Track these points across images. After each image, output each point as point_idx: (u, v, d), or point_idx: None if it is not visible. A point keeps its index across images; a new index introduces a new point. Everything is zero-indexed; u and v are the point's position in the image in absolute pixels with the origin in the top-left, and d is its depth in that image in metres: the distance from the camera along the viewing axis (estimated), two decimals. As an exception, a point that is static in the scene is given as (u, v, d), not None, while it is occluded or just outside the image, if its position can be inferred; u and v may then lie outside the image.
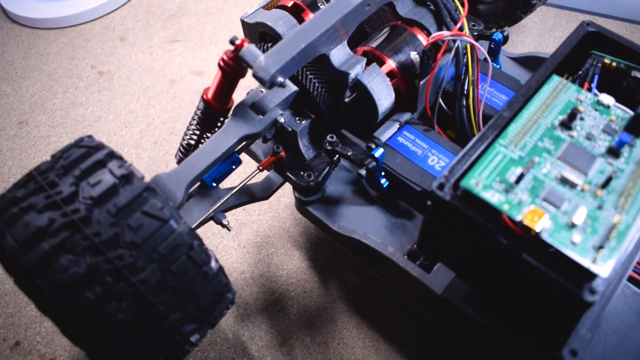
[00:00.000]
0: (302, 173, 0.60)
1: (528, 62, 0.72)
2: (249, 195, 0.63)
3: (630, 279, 0.53)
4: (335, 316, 0.71)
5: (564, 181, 0.41)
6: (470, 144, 0.44)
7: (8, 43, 1.10)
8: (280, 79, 0.50)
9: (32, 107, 0.98)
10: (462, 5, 0.61)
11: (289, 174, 0.60)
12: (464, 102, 0.61)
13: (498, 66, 0.69)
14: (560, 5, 1.09)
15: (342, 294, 0.73)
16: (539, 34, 1.04)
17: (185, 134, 0.60)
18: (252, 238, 0.79)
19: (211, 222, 0.63)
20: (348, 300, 0.72)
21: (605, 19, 1.07)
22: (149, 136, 0.92)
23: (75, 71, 1.04)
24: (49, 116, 0.96)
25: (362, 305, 0.72)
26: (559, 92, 0.48)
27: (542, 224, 0.38)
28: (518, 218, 0.39)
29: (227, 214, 0.61)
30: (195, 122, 0.58)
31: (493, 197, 0.40)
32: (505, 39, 0.65)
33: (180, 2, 1.16)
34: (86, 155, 0.44)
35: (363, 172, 0.54)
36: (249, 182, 0.61)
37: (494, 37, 0.65)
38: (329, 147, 0.56)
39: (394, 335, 0.69)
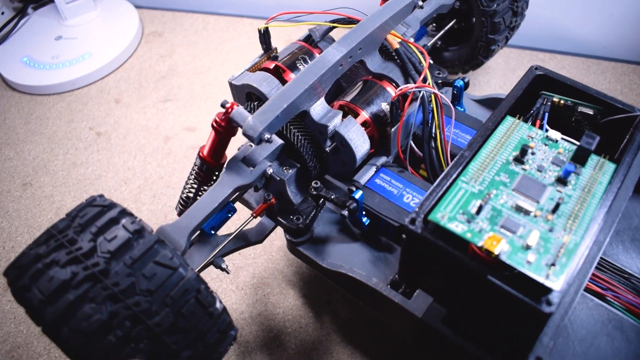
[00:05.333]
0: (291, 217, 0.65)
1: (489, 103, 0.79)
2: (244, 240, 0.67)
3: (594, 293, 0.58)
4: (331, 348, 0.76)
5: (518, 209, 0.47)
6: (437, 182, 0.49)
7: (9, 110, 1.17)
8: (267, 136, 0.56)
9: (35, 169, 1.04)
10: (424, 58, 0.68)
11: (280, 219, 0.65)
12: (433, 144, 0.67)
13: (462, 109, 0.75)
14: (521, 46, 1.17)
15: (336, 326, 0.78)
16: (503, 74, 1.12)
17: (184, 188, 0.65)
18: (249, 280, 0.84)
19: (210, 269, 0.68)
20: (341, 332, 0.77)
21: (564, 55, 1.15)
22: (147, 191, 0.98)
23: (74, 133, 1.09)
24: (51, 177, 1.02)
25: (354, 336, 0.77)
26: (513, 131, 0.54)
27: (500, 247, 0.43)
28: (479, 244, 0.44)
29: (225, 258, 0.65)
30: (193, 176, 0.64)
31: (457, 227, 0.45)
32: (467, 85, 0.72)
33: (170, 63, 1.23)
34: (100, 213, 0.49)
35: (345, 212, 0.60)
36: (244, 228, 0.66)
37: (455, 84, 0.72)
38: (314, 192, 0.62)
39: (386, 362, 0.74)
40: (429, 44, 0.83)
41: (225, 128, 0.57)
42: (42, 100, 1.18)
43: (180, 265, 0.48)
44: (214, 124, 0.58)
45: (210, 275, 0.84)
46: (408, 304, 0.56)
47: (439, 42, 0.96)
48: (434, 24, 0.93)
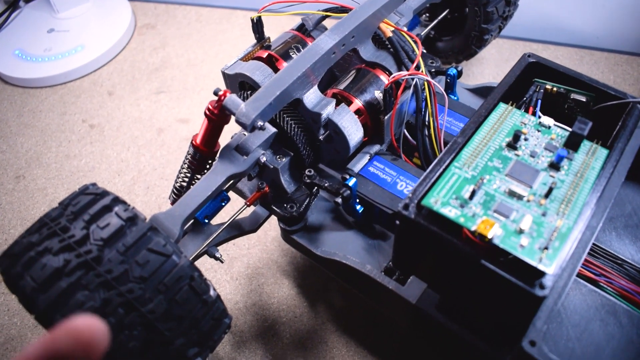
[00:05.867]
0: (285, 205, 0.65)
1: (482, 91, 0.79)
2: (238, 229, 0.67)
3: (587, 279, 0.59)
4: (325, 337, 0.76)
5: (512, 194, 0.47)
6: (430, 168, 0.49)
7: (2, 103, 1.16)
8: (260, 123, 0.56)
9: (28, 162, 1.03)
10: (417, 46, 0.68)
11: (274, 207, 0.65)
12: (426, 132, 0.67)
13: (456, 98, 0.75)
14: (514, 36, 1.18)
15: (330, 315, 0.78)
16: (496, 64, 1.12)
17: (178, 177, 0.65)
18: (243, 270, 0.84)
19: (205, 260, 0.68)
20: (336, 321, 0.77)
21: (557, 46, 1.15)
22: (141, 182, 0.97)
23: (67, 126, 1.09)
24: (44, 169, 1.02)
25: (349, 324, 0.77)
26: (506, 117, 0.54)
27: (493, 231, 0.43)
28: (473, 228, 0.44)
29: (219, 248, 0.65)
30: (186, 165, 0.64)
31: (450, 212, 0.46)
32: (460, 74, 0.72)
33: (163, 56, 1.23)
34: (93, 201, 0.49)
35: (339, 200, 0.60)
36: (238, 217, 0.66)
37: (449, 72, 0.72)
38: (308, 181, 0.62)
39: (380, 351, 0.74)
40: (422, 34, 0.83)
41: (218, 116, 0.57)
42: (34, 93, 1.17)
43: (173, 252, 0.48)
44: (207, 112, 0.58)
45: (205, 266, 0.84)
46: (402, 291, 0.56)
47: (432, 32, 0.96)
48: (427, 14, 0.93)
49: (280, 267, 0.84)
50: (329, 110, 0.63)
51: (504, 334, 0.51)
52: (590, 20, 1.12)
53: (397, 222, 0.49)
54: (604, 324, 0.56)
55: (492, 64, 1.12)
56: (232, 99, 0.56)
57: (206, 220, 0.63)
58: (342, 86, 0.68)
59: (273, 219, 0.69)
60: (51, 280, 0.45)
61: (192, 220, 0.63)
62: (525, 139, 0.52)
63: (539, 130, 0.53)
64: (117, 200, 0.49)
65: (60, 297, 0.45)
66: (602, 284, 0.58)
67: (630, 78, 1.07)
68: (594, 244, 0.61)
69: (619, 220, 0.64)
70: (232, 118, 0.57)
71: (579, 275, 0.59)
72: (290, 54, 0.70)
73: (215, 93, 0.56)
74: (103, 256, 0.46)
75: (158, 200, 0.94)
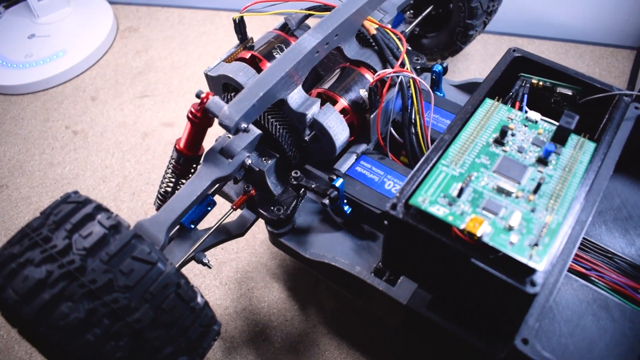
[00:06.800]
0: (272, 208, 0.64)
1: (468, 87, 0.78)
2: (225, 233, 0.66)
3: (578, 273, 0.58)
4: (317, 340, 0.75)
5: (500, 191, 0.47)
6: (417, 166, 0.49)
7: (-17, 111, 1.14)
8: (243, 125, 0.55)
9: (11, 171, 1.02)
10: (402, 43, 0.67)
11: (261, 210, 0.65)
12: (413, 130, 0.66)
13: (442, 94, 0.75)
14: (499, 32, 1.18)
15: (321, 318, 0.77)
16: (482, 60, 1.12)
17: (162, 182, 0.64)
18: (232, 275, 0.83)
19: (193, 265, 0.67)
20: (327, 324, 0.76)
21: (542, 40, 1.15)
22: (127, 188, 0.96)
23: (50, 132, 1.08)
24: (28, 178, 1.00)
25: (341, 326, 0.76)
26: (492, 113, 0.54)
27: (482, 229, 0.43)
28: (461, 227, 0.44)
29: (207, 253, 0.64)
30: (170, 170, 0.63)
31: (438, 210, 0.45)
32: (445, 70, 0.72)
33: (146, 59, 1.21)
34: (75, 210, 0.48)
35: (326, 201, 0.59)
36: (224, 222, 0.65)
37: (434, 69, 0.71)
38: (294, 182, 0.61)
39: (373, 351, 0.74)
40: (406, 31, 0.82)
41: (201, 119, 0.56)
42: (16, 100, 1.16)
43: (158, 259, 0.47)
44: (190, 115, 0.57)
45: (194, 272, 0.83)
46: (392, 291, 0.56)
47: (417, 29, 0.95)
48: (412, 11, 0.93)
49: (269, 270, 0.83)
50: (314, 110, 0.62)
51: (496, 331, 0.50)
52: (575, 14, 1.12)
53: (386, 222, 0.48)
54: (596, 318, 0.56)
55: (477, 59, 1.12)
56: (215, 102, 0.55)
57: (192, 226, 0.62)
58: (326, 85, 0.67)
59: (261, 221, 0.68)
60: (34, 292, 0.44)
61: (177, 226, 0.61)
62: (513, 135, 0.52)
63: (525, 125, 0.53)
64: (99, 208, 0.48)
65: (44, 309, 0.44)
66: (593, 279, 0.58)
67: (615, 70, 1.07)
68: (584, 238, 0.60)
69: (608, 214, 0.64)
70: (216, 120, 0.56)
71: (570, 270, 0.58)
72: (274, 54, 0.69)
73: (198, 96, 0.55)
74: (86, 266, 0.45)
75: (144, 206, 0.93)
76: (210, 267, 0.63)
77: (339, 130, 0.63)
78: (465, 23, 0.89)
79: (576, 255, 0.59)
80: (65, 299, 0.44)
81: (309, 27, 0.73)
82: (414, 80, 0.64)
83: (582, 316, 0.56)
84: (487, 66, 1.10)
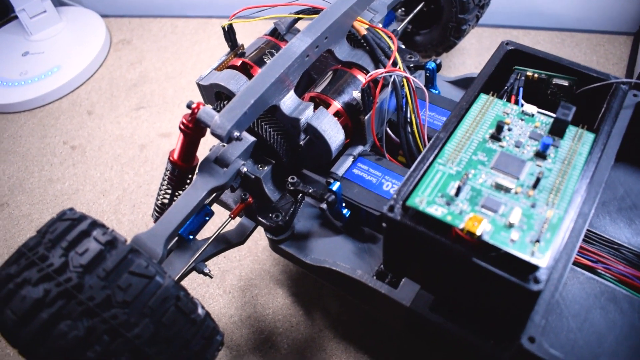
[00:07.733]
0: (270, 215, 0.64)
1: (464, 83, 0.77)
2: (225, 242, 0.66)
3: (584, 266, 0.58)
4: (324, 345, 0.74)
5: (498, 187, 0.46)
6: (413, 166, 0.48)
7: (-20, 131, 1.14)
8: (236, 134, 0.55)
9: (11, 189, 1.01)
10: (393, 42, 0.67)
11: (259, 217, 0.64)
12: (409, 129, 0.66)
13: (437, 91, 0.74)
14: (494, 24, 1.17)
15: (327, 322, 0.76)
16: (477, 54, 1.11)
17: (159, 194, 0.64)
18: (235, 283, 0.82)
19: (196, 275, 0.66)
20: (333, 328, 0.76)
21: (537, 31, 1.14)
22: (127, 201, 0.96)
23: (48, 149, 1.07)
24: (28, 195, 1.00)
25: (347, 330, 0.75)
26: (487, 108, 0.53)
27: (482, 227, 0.42)
28: (461, 226, 0.43)
29: (209, 263, 0.64)
30: (165, 182, 0.62)
31: (437, 210, 0.44)
32: (439, 67, 0.71)
33: (140, 71, 1.21)
34: (71, 227, 0.47)
35: (324, 205, 0.58)
36: (223, 230, 0.65)
37: (427, 66, 0.70)
38: (292, 188, 0.61)
39: (380, 354, 0.73)
40: (398, 29, 0.82)
41: (193, 129, 0.56)
42: (13, 118, 1.16)
43: (156, 273, 0.47)
44: (182, 126, 0.56)
45: (197, 281, 0.83)
46: (395, 294, 0.55)
47: (410, 27, 0.95)
48: (403, 8, 0.92)
49: (273, 276, 0.82)
50: (307, 115, 0.62)
51: (502, 330, 0.49)
52: (569, 2, 1.11)
53: (384, 224, 0.47)
54: (604, 311, 0.55)
55: (472, 53, 1.11)
56: (206, 111, 0.54)
57: (191, 237, 0.61)
58: (319, 89, 0.66)
59: (262, 228, 0.67)
60: (32, 312, 0.44)
61: (176, 238, 0.61)
62: (509, 129, 0.51)
63: (522, 119, 0.52)
64: (95, 225, 0.48)
65: (43, 329, 0.44)
66: (599, 271, 0.57)
67: (613, 57, 1.06)
68: (588, 230, 0.59)
69: (612, 204, 0.63)
70: (209, 130, 0.56)
71: (576, 263, 0.58)
72: (265, 60, 0.68)
73: (189, 106, 0.55)
74: (84, 283, 0.45)
75: (145, 218, 0.93)
76: (211, 277, 0.62)
77: (333, 134, 0.62)
78: (457, 18, 0.88)
79: (581, 247, 0.58)
80: (63, 318, 0.44)
81: (299, 31, 0.72)
82: (407, 79, 0.64)
83: (590, 310, 0.55)
84: (483, 60, 1.09)
